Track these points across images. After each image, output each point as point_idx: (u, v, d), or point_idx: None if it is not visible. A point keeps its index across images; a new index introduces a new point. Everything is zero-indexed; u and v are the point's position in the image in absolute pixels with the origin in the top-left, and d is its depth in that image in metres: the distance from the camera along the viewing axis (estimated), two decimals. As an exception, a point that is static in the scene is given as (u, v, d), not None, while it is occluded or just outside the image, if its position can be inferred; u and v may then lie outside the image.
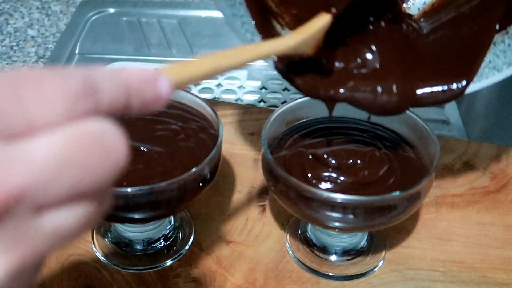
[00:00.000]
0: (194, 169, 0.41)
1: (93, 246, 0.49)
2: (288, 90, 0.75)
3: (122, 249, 0.49)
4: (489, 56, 0.42)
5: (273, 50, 0.35)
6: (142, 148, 0.43)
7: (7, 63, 0.76)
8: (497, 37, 0.42)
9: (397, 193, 0.40)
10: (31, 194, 0.17)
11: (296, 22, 0.44)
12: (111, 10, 0.87)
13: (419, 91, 0.42)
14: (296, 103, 0.49)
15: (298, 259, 0.48)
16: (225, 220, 0.51)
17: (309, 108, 0.49)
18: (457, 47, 0.43)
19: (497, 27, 0.42)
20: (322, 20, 0.39)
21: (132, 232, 0.49)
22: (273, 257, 0.48)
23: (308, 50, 0.39)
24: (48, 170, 0.17)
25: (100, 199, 0.20)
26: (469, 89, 0.41)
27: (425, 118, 0.47)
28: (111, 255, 0.48)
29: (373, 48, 0.44)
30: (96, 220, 0.20)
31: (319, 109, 0.50)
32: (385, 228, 0.48)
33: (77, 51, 0.79)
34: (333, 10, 0.39)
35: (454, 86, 0.41)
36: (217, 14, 0.87)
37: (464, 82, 0.41)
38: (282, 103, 0.49)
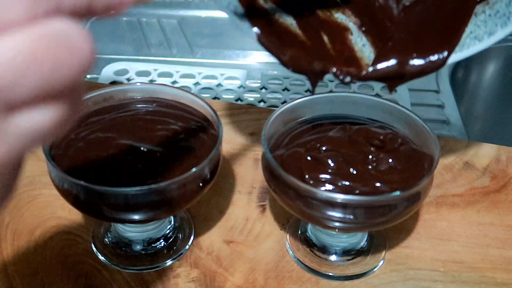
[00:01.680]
0: (194, 169, 0.41)
1: (93, 246, 0.49)
2: (288, 90, 0.75)
3: (122, 249, 0.49)
4: (470, 27, 0.43)
5: None
6: (142, 148, 0.43)
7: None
8: (478, 8, 0.43)
9: (397, 193, 0.40)
10: (1, 93, 0.18)
11: None
12: (111, 10, 0.87)
13: (403, 63, 0.42)
14: (296, 103, 0.49)
15: (298, 259, 0.48)
16: (225, 220, 0.51)
17: (309, 108, 0.49)
18: (439, 19, 0.44)
19: None
20: None
21: (132, 232, 0.49)
22: (273, 257, 0.48)
23: None
24: (15, 68, 0.18)
25: (72, 99, 0.20)
26: (451, 59, 0.42)
27: (425, 118, 0.47)
28: (111, 255, 0.48)
29: (357, 18, 0.45)
30: (70, 121, 0.20)
31: (319, 109, 0.50)
32: (385, 228, 0.48)
33: (77, 51, 0.79)
34: None
35: (436, 56, 0.42)
36: (217, 14, 0.87)
37: (445, 53, 0.42)
38: (282, 103, 0.49)
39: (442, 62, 0.42)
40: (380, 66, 0.42)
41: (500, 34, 0.41)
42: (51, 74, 0.19)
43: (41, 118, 0.19)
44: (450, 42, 0.42)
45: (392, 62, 0.42)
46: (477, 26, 0.42)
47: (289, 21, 0.44)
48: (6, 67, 0.18)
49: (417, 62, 0.42)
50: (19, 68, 0.18)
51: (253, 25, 0.42)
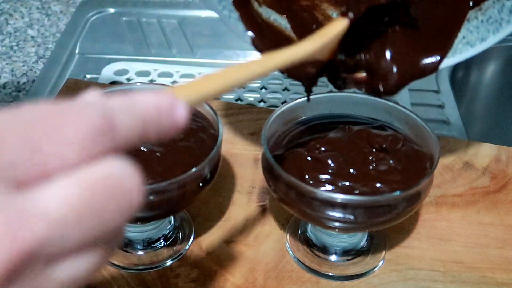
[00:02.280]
0: (194, 169, 0.41)
1: (93, 246, 0.49)
2: (288, 90, 0.75)
3: (122, 249, 0.49)
4: (463, 32, 0.43)
5: (290, 59, 0.32)
6: (142, 148, 0.43)
7: (7, 63, 0.76)
8: (471, 14, 0.43)
9: (397, 193, 0.40)
10: (44, 248, 0.16)
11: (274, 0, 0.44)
12: (111, 10, 0.87)
13: (395, 68, 0.42)
14: (296, 103, 0.49)
15: (298, 259, 0.48)
16: (225, 220, 0.51)
17: (309, 108, 0.49)
18: (432, 24, 0.44)
19: (471, 4, 0.43)
20: (340, 26, 0.39)
21: (132, 232, 0.49)
22: (273, 257, 0.48)
23: (324, 56, 0.39)
24: (63, 223, 0.16)
25: (112, 241, 0.19)
26: (443, 64, 0.43)
27: (425, 118, 0.47)
28: (111, 255, 0.48)
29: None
30: (107, 261, 0.19)
31: (319, 109, 0.50)
32: (385, 228, 0.48)
33: (77, 51, 0.79)
34: (351, 15, 0.39)
35: (429, 61, 0.42)
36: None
37: (438, 58, 0.42)
38: (282, 103, 0.49)
39: (435, 67, 0.42)
40: (376, 76, 0.43)
41: (491, 40, 0.42)
42: (99, 224, 0.17)
43: (79, 267, 0.18)
44: (443, 47, 0.42)
45: (385, 70, 0.42)
46: (469, 31, 0.43)
47: (284, 25, 0.44)
48: (54, 222, 0.16)
49: (410, 67, 0.42)
50: (65, 222, 0.16)
51: (248, 28, 0.42)
